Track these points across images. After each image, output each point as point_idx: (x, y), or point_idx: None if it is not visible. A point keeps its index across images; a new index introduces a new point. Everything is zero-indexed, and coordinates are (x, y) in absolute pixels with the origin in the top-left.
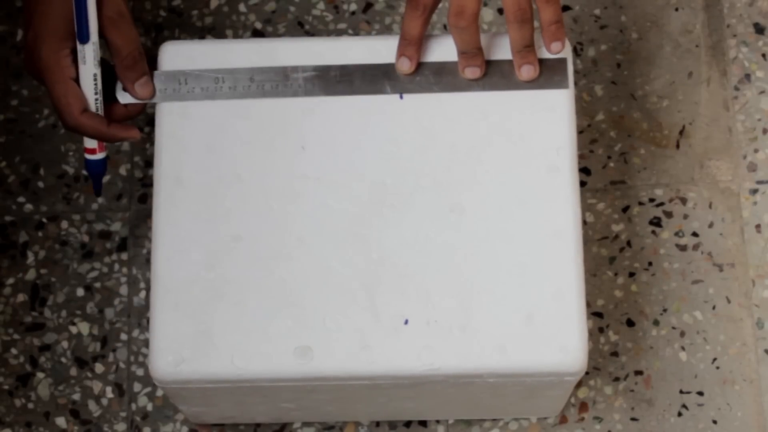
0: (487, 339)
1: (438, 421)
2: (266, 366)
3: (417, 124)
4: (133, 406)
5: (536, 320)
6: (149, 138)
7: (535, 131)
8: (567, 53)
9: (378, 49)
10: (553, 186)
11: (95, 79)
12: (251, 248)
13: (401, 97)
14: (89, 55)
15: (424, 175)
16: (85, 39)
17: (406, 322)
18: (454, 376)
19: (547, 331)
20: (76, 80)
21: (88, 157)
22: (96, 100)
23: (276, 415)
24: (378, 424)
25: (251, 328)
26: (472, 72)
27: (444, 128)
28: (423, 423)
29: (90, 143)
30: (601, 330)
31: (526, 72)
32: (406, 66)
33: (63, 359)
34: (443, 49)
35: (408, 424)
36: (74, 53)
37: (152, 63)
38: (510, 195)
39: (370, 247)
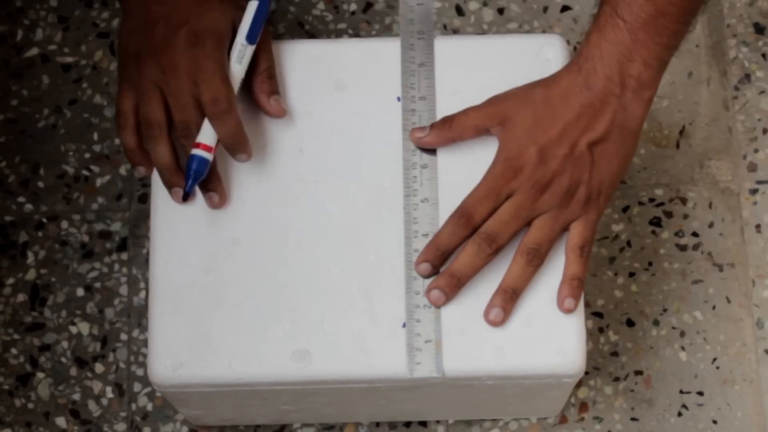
0: (485, 341)
1: (438, 422)
2: (265, 370)
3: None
4: (133, 406)
5: (534, 322)
6: None
7: None
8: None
9: (375, 52)
10: None
11: (242, 81)
12: (249, 252)
13: (398, 99)
14: (247, 57)
15: (425, 178)
16: (253, 40)
17: (404, 325)
18: (452, 379)
19: (545, 333)
20: None
21: (199, 153)
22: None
23: (276, 417)
24: (378, 424)
25: (249, 332)
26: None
27: None
28: (423, 423)
29: (209, 140)
30: (601, 330)
31: (494, 315)
32: (426, 272)
33: (63, 359)
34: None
35: (408, 424)
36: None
37: None
38: None
39: (368, 250)
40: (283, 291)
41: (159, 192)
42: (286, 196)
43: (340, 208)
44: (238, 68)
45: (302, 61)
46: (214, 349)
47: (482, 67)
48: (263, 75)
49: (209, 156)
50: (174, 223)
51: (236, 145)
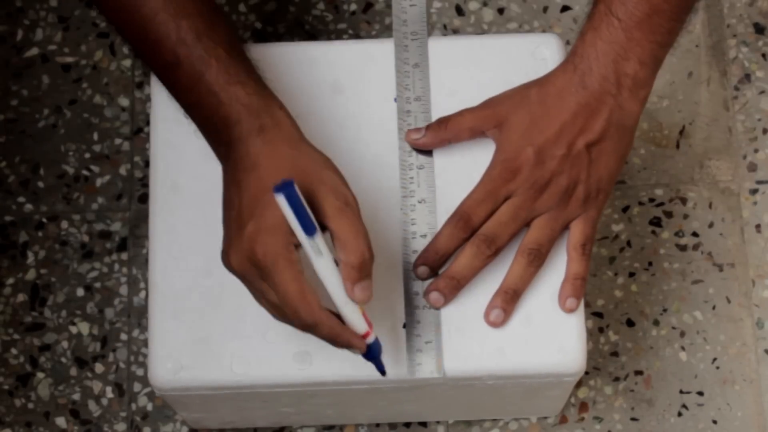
0: (485, 341)
1: (438, 422)
2: (265, 372)
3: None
4: (133, 406)
5: (534, 321)
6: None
7: None
8: None
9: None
10: None
11: (336, 269)
12: None
13: (395, 100)
14: (323, 246)
15: (423, 180)
16: (312, 230)
17: (405, 326)
18: (453, 379)
19: (545, 332)
20: None
21: (368, 341)
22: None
23: (276, 420)
24: (378, 424)
25: (249, 335)
26: None
27: None
28: (423, 423)
29: (361, 327)
30: (601, 330)
31: (495, 316)
32: (425, 275)
33: (63, 359)
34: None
35: (408, 424)
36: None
37: None
38: None
39: None
40: None
41: (157, 195)
42: None
43: None
44: (321, 260)
45: (299, 63)
46: (215, 352)
47: (478, 67)
48: (353, 257)
49: (374, 336)
50: (172, 226)
51: (340, 343)
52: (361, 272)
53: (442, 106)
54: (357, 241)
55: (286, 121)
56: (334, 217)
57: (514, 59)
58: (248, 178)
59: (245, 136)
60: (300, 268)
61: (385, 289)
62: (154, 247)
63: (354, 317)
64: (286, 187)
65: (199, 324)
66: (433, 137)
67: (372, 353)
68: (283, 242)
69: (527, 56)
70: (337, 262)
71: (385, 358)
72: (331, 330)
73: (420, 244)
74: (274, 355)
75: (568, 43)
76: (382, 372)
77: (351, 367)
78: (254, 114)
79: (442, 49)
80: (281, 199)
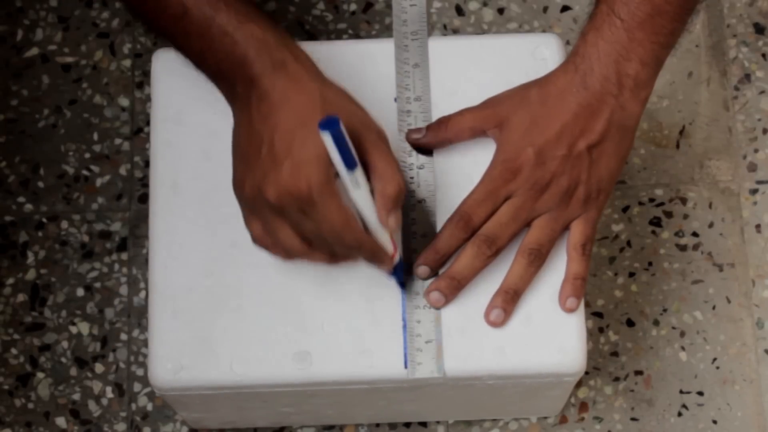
0: (485, 341)
1: (438, 422)
2: (265, 372)
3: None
4: (133, 406)
5: (535, 321)
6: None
7: None
8: None
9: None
10: None
11: (371, 199)
12: (249, 254)
13: (395, 100)
14: (361, 179)
15: (423, 179)
16: (353, 164)
17: (405, 326)
18: (453, 379)
19: (545, 332)
20: None
21: (395, 261)
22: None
23: (276, 420)
24: (378, 424)
25: (250, 335)
26: None
27: None
28: (423, 423)
29: (391, 249)
30: (601, 330)
31: (495, 316)
32: (425, 275)
33: (63, 359)
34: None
35: (408, 424)
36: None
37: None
38: None
39: None
40: (282, 293)
41: (158, 195)
42: None
43: None
44: (359, 192)
45: None
46: (215, 352)
47: (478, 67)
48: (389, 188)
49: (397, 257)
50: (172, 226)
51: (377, 261)
52: (396, 202)
53: (442, 106)
54: (394, 172)
55: (303, 55)
56: (371, 151)
57: (514, 59)
58: (279, 113)
59: (268, 71)
60: (342, 197)
61: (385, 288)
62: (155, 247)
63: (385, 240)
64: (331, 125)
65: (199, 324)
66: (433, 137)
67: (396, 270)
68: (326, 174)
69: (527, 56)
70: (372, 193)
71: (386, 358)
72: (373, 247)
73: (420, 244)
74: (274, 355)
75: (568, 43)
76: (402, 285)
77: (351, 367)
78: (273, 49)
79: (442, 49)
80: (327, 137)
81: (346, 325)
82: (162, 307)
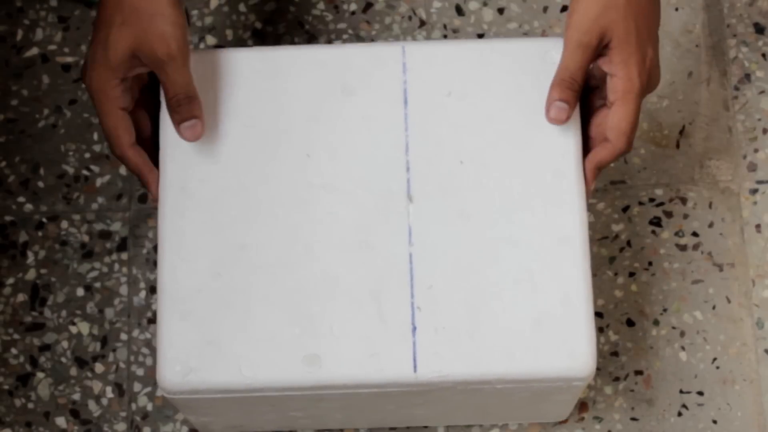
0: (495, 345)
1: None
2: (274, 375)
3: (423, 130)
4: (133, 406)
5: (544, 326)
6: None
7: (541, 136)
8: None
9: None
10: (559, 191)
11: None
12: (257, 256)
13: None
14: None
15: (430, 182)
16: None
17: (414, 329)
18: (462, 383)
19: (555, 336)
20: (130, 111)
21: None
22: None
23: (284, 424)
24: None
25: (259, 337)
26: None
27: (450, 134)
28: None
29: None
30: (601, 330)
31: (556, 110)
32: (564, 114)
33: (63, 359)
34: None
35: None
36: (125, 83)
37: None
38: (516, 200)
39: (377, 254)
40: (291, 296)
41: (167, 197)
42: (294, 201)
43: (348, 212)
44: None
45: (309, 66)
46: (224, 355)
47: (487, 70)
48: (171, 102)
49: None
50: (181, 228)
51: (141, 179)
52: (180, 114)
53: (452, 110)
54: (173, 87)
55: None
56: (156, 69)
57: (524, 63)
58: (103, 11)
59: None
60: (121, 104)
61: (394, 291)
62: (164, 249)
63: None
64: None
65: (208, 326)
66: (568, 105)
67: None
68: (106, 77)
69: (537, 60)
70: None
71: (395, 360)
72: (135, 168)
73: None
74: (283, 358)
75: (566, 8)
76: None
77: (360, 370)
78: None
79: (449, 53)
80: None
81: (355, 328)
82: (171, 310)
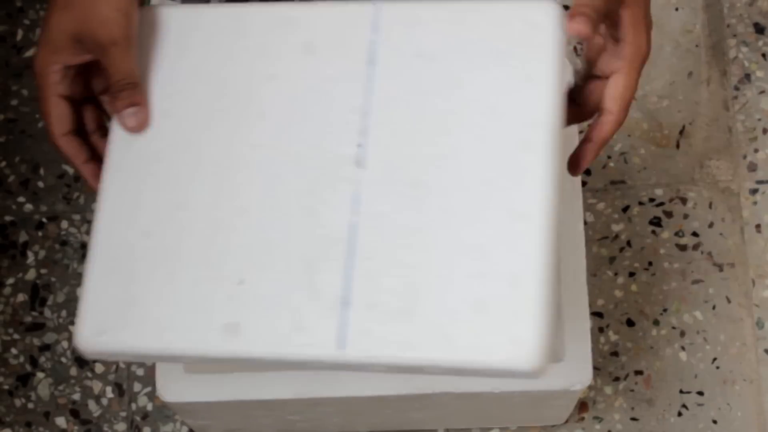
0: (433, 327)
1: None
2: (191, 342)
3: (387, 94)
4: (133, 406)
5: (490, 310)
6: None
7: (513, 105)
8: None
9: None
10: (524, 164)
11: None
12: (192, 218)
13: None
14: None
15: (389, 148)
16: None
17: (347, 304)
18: (394, 367)
19: (498, 322)
20: (69, 98)
21: None
22: None
23: (282, 427)
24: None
25: (181, 302)
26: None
27: (415, 99)
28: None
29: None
30: (601, 330)
31: (577, 23)
32: (585, 29)
33: (63, 359)
34: None
35: None
36: (66, 69)
37: None
38: (476, 172)
39: (317, 222)
40: (221, 261)
41: (113, 149)
42: (237, 163)
43: (294, 176)
44: None
45: (273, 24)
46: (143, 317)
47: (463, 32)
48: (112, 89)
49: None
50: (123, 184)
51: (76, 168)
52: (120, 101)
53: (419, 72)
54: (115, 74)
55: None
56: (99, 55)
57: (501, 26)
58: None
59: None
60: (59, 91)
61: (330, 263)
62: (100, 202)
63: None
64: None
65: (131, 286)
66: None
67: None
68: (46, 61)
69: (518, 23)
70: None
71: (320, 338)
72: (66, 159)
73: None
74: (202, 325)
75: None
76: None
77: (282, 344)
78: None
79: (424, 13)
80: None
81: (282, 299)
82: (96, 266)
